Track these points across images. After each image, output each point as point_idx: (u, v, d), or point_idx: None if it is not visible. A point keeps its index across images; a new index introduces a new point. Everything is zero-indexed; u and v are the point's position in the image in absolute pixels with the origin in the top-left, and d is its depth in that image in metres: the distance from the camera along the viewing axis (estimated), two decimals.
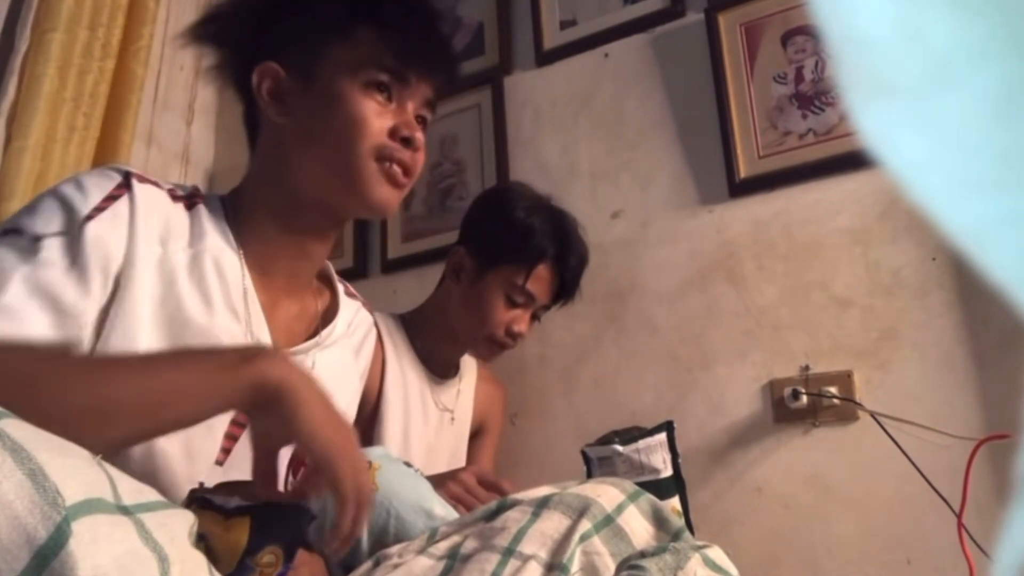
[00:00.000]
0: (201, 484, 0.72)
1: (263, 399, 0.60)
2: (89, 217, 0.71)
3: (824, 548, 1.27)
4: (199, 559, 0.51)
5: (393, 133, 0.83)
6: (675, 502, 1.16)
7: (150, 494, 0.48)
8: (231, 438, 0.78)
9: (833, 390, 1.30)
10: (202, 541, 0.55)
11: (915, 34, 0.16)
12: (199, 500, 0.59)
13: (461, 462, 1.41)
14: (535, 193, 1.38)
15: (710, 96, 1.52)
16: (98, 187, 0.73)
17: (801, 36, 1.47)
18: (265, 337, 0.82)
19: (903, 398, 1.26)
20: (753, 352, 1.39)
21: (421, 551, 0.69)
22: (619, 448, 1.16)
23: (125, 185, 0.75)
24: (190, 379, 0.61)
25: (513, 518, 0.68)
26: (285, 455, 0.70)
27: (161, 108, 1.93)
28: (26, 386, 0.57)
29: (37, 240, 0.68)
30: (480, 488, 1.04)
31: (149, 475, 0.69)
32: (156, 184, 0.79)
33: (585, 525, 0.66)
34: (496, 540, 0.65)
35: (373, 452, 0.85)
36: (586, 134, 1.66)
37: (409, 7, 0.86)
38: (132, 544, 0.43)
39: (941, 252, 1.27)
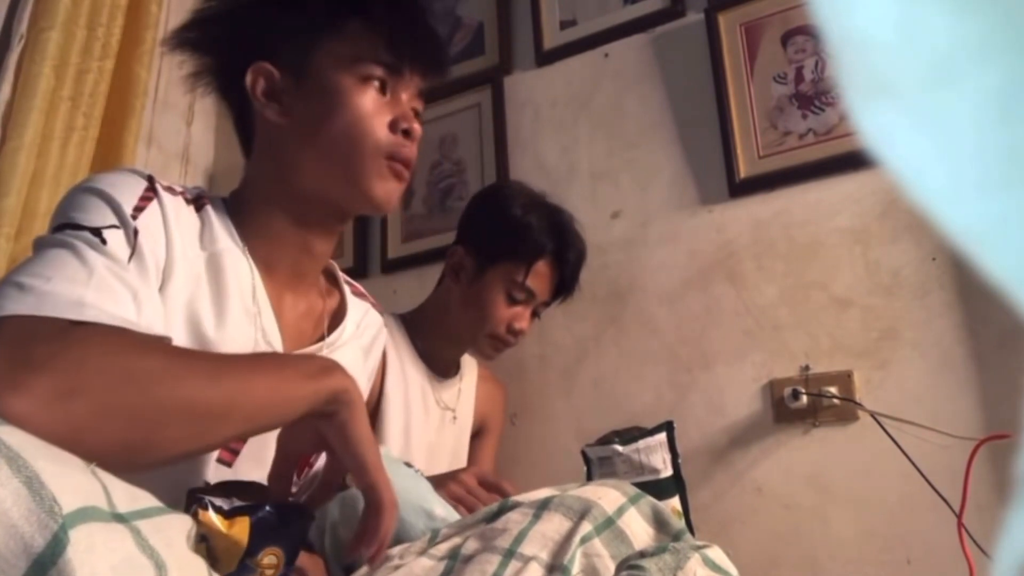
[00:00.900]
0: (207, 483, 0.73)
1: (331, 408, 0.65)
2: (135, 214, 0.71)
3: (824, 548, 1.27)
4: (197, 563, 0.51)
5: (393, 126, 0.83)
6: (675, 502, 1.16)
7: (145, 500, 0.48)
8: (241, 438, 0.79)
9: (833, 390, 1.30)
10: (203, 542, 0.55)
11: (915, 33, 0.16)
12: (199, 500, 0.59)
13: (462, 461, 1.41)
14: (530, 190, 1.39)
15: (710, 96, 1.52)
16: (130, 187, 0.73)
17: (801, 36, 1.47)
18: (275, 334, 0.82)
19: (903, 398, 1.26)
20: (753, 352, 1.39)
21: (422, 552, 0.69)
22: (619, 448, 1.16)
23: (152, 189, 0.75)
24: (282, 385, 0.63)
25: (514, 520, 0.68)
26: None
27: (161, 108, 1.93)
28: (145, 379, 0.56)
29: (97, 232, 0.67)
30: (481, 489, 1.04)
31: (157, 473, 0.69)
32: (171, 188, 0.79)
33: (586, 527, 0.66)
34: (497, 541, 0.65)
35: None
36: (586, 134, 1.66)
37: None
38: (129, 552, 0.43)
39: (941, 252, 1.27)
